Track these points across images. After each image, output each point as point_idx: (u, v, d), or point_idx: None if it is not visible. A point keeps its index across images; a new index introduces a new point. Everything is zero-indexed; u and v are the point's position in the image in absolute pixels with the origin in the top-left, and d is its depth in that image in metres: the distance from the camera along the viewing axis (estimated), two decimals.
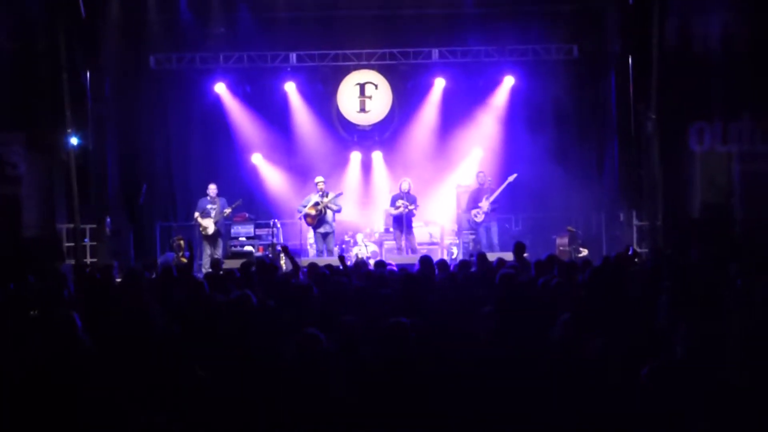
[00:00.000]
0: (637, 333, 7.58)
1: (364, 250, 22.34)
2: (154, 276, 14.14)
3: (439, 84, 24.51)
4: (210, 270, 16.10)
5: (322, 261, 16.78)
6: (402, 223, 21.10)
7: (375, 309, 8.98)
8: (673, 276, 10.34)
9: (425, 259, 12.77)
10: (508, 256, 15.62)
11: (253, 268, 12.59)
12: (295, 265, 13.79)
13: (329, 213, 21.15)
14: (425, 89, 24.69)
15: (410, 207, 21.07)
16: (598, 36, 23.19)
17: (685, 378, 6.17)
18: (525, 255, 14.87)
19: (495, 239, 20.95)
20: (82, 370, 7.00)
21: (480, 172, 21.84)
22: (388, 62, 24.35)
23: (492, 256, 14.73)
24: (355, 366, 7.10)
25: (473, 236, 22.06)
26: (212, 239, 21.21)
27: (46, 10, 19.99)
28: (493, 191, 21.11)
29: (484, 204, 21.00)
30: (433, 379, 6.78)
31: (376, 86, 24.65)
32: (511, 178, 21.02)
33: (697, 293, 8.31)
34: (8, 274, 12.49)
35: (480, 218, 21.08)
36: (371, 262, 16.36)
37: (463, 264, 13.52)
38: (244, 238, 22.37)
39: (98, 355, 7.34)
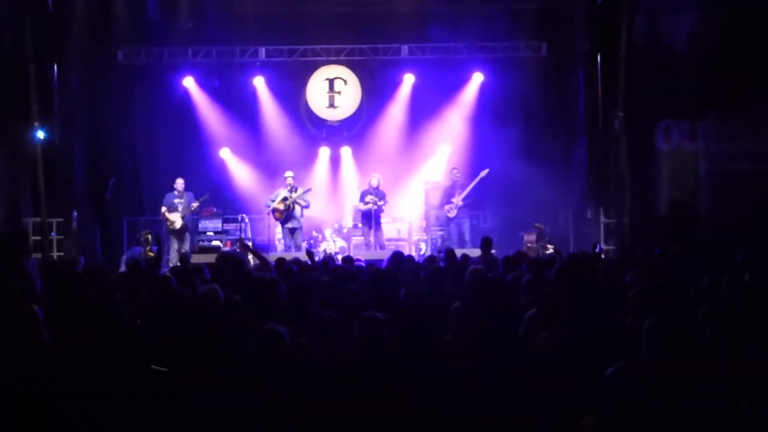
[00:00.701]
0: (604, 329, 7.60)
1: (332, 245, 22.36)
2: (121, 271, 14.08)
3: (408, 80, 24.56)
4: (178, 264, 16.07)
5: (290, 256, 16.73)
6: (371, 218, 21.15)
7: (343, 304, 8.98)
8: (639, 272, 10.40)
9: (396, 255, 12.78)
10: (475, 252, 15.67)
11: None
12: (263, 260, 13.79)
13: (297, 208, 21.16)
14: (394, 85, 24.74)
15: (379, 203, 21.12)
16: (567, 33, 23.27)
17: (651, 375, 6.20)
18: (492, 251, 14.92)
19: (467, 235, 21.10)
20: (41, 366, 6.93)
21: (454, 168, 22.00)
22: (357, 58, 24.41)
23: (459, 252, 14.79)
24: (333, 361, 7.10)
25: (441, 232, 22.17)
26: (180, 234, 21.12)
27: (13, 2, 19.84)
28: (465, 187, 21.22)
29: (457, 199, 21.12)
30: (402, 374, 6.77)
31: (345, 82, 24.68)
32: (483, 173, 21.17)
33: (662, 290, 8.34)
34: None
35: (452, 214, 21.24)
36: (339, 257, 16.36)
37: (430, 259, 13.54)
38: (211, 233, 22.32)
39: (60, 352, 7.27)
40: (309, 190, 21.66)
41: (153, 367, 6.93)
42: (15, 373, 6.72)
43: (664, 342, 6.40)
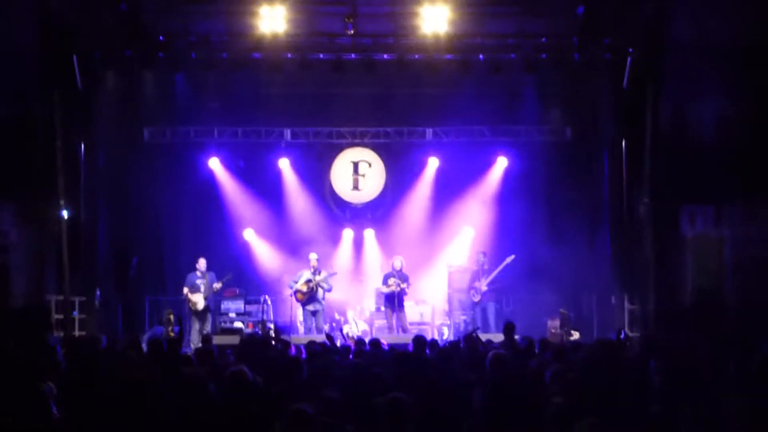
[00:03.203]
0: (630, 417, 7.52)
1: (354, 328, 22.21)
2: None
3: (433, 163, 24.61)
4: (200, 345, 16.00)
5: (311, 339, 16.62)
6: (394, 301, 21.08)
7: (367, 386, 8.92)
8: (664, 360, 10.30)
9: (419, 339, 12.71)
10: (500, 338, 15.57)
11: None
12: (285, 343, 13.77)
13: (320, 291, 21.16)
14: (419, 168, 24.80)
15: (402, 285, 21.06)
16: (592, 118, 23.29)
17: None
18: (516, 336, 14.81)
19: (491, 320, 21.10)
20: None
21: (481, 252, 22.06)
22: (382, 140, 24.48)
23: (483, 338, 14.70)
24: None
25: (465, 317, 22.09)
26: (202, 315, 21.09)
27: (42, 80, 20.01)
28: (490, 272, 21.28)
29: (481, 284, 21.17)
30: None
31: (369, 164, 24.74)
32: (508, 259, 21.32)
33: (690, 378, 8.26)
34: None
35: (477, 298, 21.27)
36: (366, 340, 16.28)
37: (452, 345, 13.48)
38: (233, 314, 22.22)
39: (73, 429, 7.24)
40: (334, 274, 21.70)
41: None
42: None
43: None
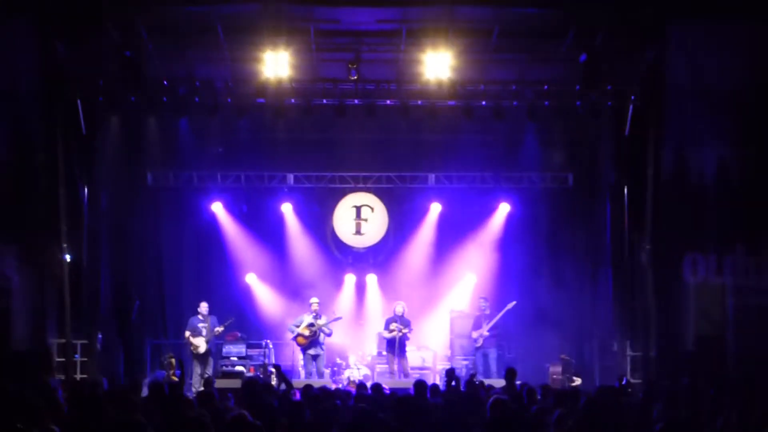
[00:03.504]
0: None
1: (356, 372, 22.16)
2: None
3: (435, 209, 24.66)
4: (201, 389, 15.98)
5: (314, 383, 16.60)
6: (395, 346, 21.04)
7: (369, 430, 8.92)
8: (665, 407, 10.30)
9: (420, 384, 12.71)
10: (501, 383, 15.54)
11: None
12: (288, 385, 13.74)
13: (321, 335, 21.14)
14: (421, 213, 24.85)
15: (404, 330, 21.04)
16: (594, 165, 23.35)
17: None
18: (517, 382, 14.79)
19: (493, 366, 21.09)
20: None
21: (482, 297, 22.09)
22: (384, 185, 24.53)
23: (484, 383, 14.69)
24: None
25: (466, 362, 22.06)
26: (203, 358, 21.08)
27: (46, 124, 20.07)
28: (491, 317, 21.28)
29: (481, 331, 21.20)
30: None
31: (372, 209, 24.77)
32: (510, 305, 21.31)
33: (689, 426, 8.25)
34: None
35: (479, 344, 21.29)
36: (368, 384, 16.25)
37: (450, 388, 13.49)
38: (235, 358, 22.17)
39: None
40: (338, 318, 21.70)
41: None
42: None
43: None
